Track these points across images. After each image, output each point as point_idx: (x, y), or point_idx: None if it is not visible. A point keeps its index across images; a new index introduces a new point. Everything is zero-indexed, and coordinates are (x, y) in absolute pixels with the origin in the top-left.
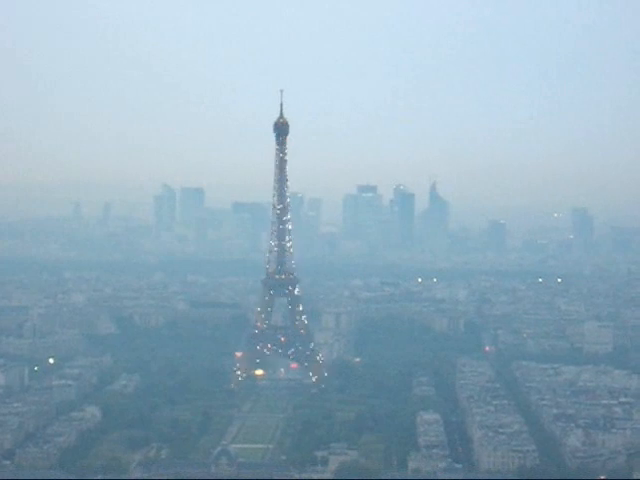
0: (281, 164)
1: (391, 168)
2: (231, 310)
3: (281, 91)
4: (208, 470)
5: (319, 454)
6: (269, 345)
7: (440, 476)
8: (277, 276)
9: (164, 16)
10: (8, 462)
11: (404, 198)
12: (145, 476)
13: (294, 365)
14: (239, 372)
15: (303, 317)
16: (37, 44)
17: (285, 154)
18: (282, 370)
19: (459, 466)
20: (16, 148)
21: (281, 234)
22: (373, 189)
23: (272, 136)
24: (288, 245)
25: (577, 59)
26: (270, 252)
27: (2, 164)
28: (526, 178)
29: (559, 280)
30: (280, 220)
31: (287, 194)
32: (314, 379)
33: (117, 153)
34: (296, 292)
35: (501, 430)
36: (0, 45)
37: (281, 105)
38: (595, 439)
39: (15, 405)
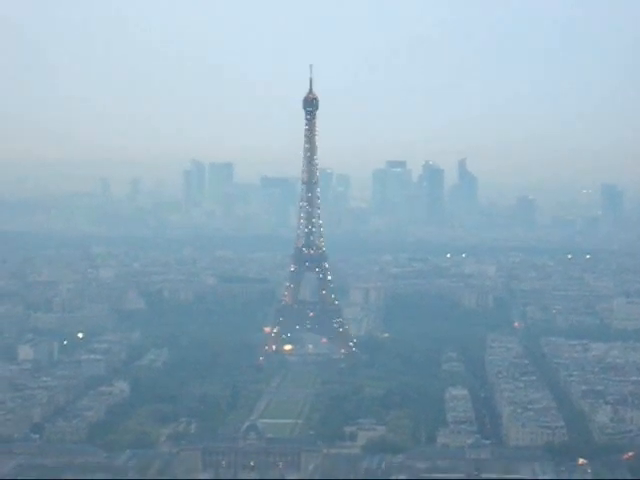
0: (310, 139)
1: (420, 143)
2: (260, 285)
3: (310, 66)
4: (236, 445)
5: (347, 429)
6: (298, 320)
7: (468, 452)
8: (306, 251)
9: (184, 5)
10: (37, 436)
11: (433, 173)
12: (174, 450)
13: (324, 340)
14: (268, 347)
15: (332, 292)
16: (65, 27)
17: (314, 129)
18: (310, 345)
19: (487, 442)
20: (45, 127)
21: (310, 210)
22: (402, 164)
23: (301, 111)
24: (317, 220)
25: (603, 33)
26: (299, 227)
27: (32, 142)
28: (555, 154)
29: (588, 256)
30: (309, 195)
31: (316, 169)
32: (343, 354)
33: (145, 130)
34: (325, 267)
35: (529, 406)
36: (29, 31)
37: (310, 80)
38: (623, 415)
39: (44, 379)
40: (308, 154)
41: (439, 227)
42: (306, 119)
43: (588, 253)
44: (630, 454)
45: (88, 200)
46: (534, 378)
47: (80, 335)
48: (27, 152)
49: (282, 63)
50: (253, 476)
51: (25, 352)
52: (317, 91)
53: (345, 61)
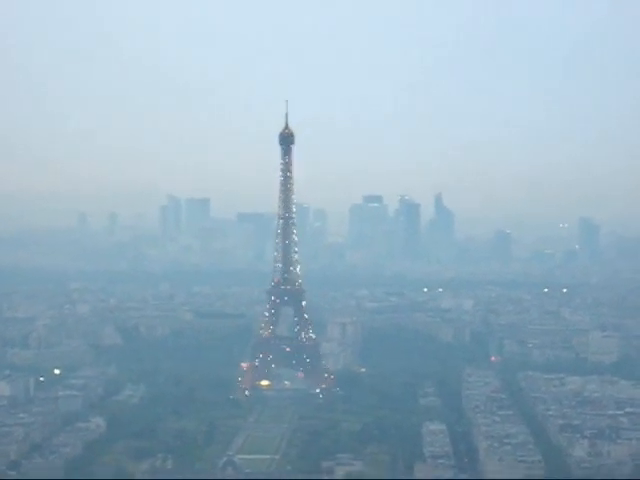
0: (286, 174)
1: (397, 178)
2: (236, 320)
3: (286, 101)
4: None
5: (325, 464)
6: (275, 355)
7: None
8: (283, 286)
9: (166, 26)
10: (14, 473)
11: (410, 208)
12: None
13: (300, 375)
14: (244, 382)
15: (309, 327)
16: (36, 48)
17: (290, 164)
18: (288, 381)
19: (465, 476)
20: (21, 158)
21: (287, 244)
22: (379, 199)
23: (277, 146)
24: (294, 255)
25: (585, 67)
26: (275, 262)
27: (7, 174)
28: (532, 188)
29: (565, 290)
30: (286, 230)
31: (293, 204)
32: (320, 389)
33: (122, 163)
34: (302, 302)
35: (507, 440)
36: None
37: (286, 115)
38: (601, 449)
39: (21, 416)
40: (284, 189)
41: (416, 261)
42: (282, 154)
43: (565, 287)
44: None
45: (66, 234)
46: (511, 412)
47: (57, 371)
48: (2, 184)
49: (258, 98)
50: None
51: (1, 388)
52: (293, 125)
53: (322, 95)
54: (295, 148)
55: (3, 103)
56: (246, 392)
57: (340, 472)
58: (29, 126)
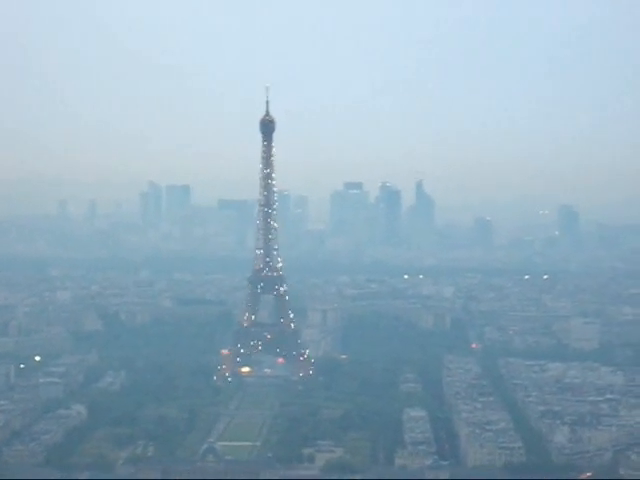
0: (267, 161)
1: (377, 165)
2: (217, 307)
3: (267, 88)
4: (195, 467)
5: (305, 451)
6: (255, 342)
7: (427, 473)
8: (263, 273)
9: (149, 12)
10: None
11: (390, 195)
12: (132, 473)
13: (281, 361)
14: (225, 369)
15: (289, 314)
16: (30, 42)
17: (271, 151)
18: (268, 368)
19: (445, 463)
20: (1, 145)
21: (267, 231)
22: (359, 186)
23: (258, 133)
24: (274, 242)
25: (566, 57)
26: (256, 249)
27: None
28: (512, 175)
29: (545, 277)
30: (266, 217)
31: (273, 191)
32: (300, 376)
33: (102, 150)
34: (282, 289)
35: (488, 427)
36: None
37: (267, 102)
38: (581, 436)
39: (1, 403)
40: (265, 176)
41: (396, 248)
42: (263, 141)
43: (545, 274)
44: (588, 474)
45: (46, 221)
46: (492, 399)
47: (37, 358)
48: None
49: (239, 84)
50: None
51: None
52: (274, 112)
53: (302, 81)
54: (276, 135)
55: None
56: (227, 379)
57: (321, 459)
58: (11, 114)
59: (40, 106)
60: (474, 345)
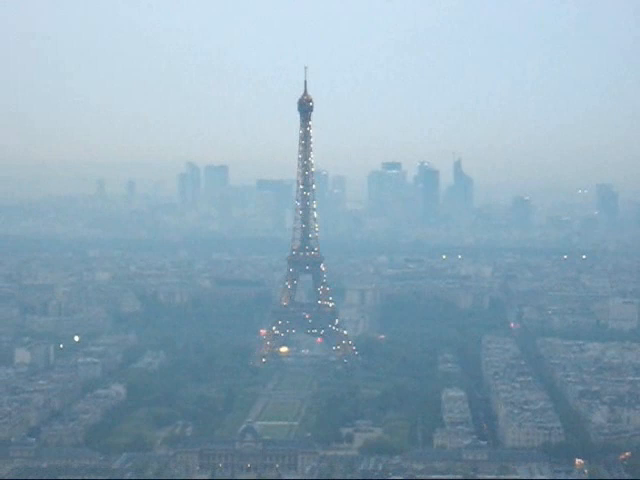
0: (305, 141)
1: (416, 145)
2: (255, 288)
3: (305, 68)
4: (233, 447)
5: (344, 431)
6: (293, 322)
7: (465, 453)
8: (302, 253)
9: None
10: (34, 439)
11: (428, 175)
12: (171, 453)
13: (319, 340)
14: (263, 349)
15: (327, 294)
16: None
17: (309, 131)
18: (307, 348)
19: (484, 443)
20: (41, 128)
21: (305, 211)
22: (397, 166)
23: (297, 113)
24: (313, 222)
25: (602, 30)
26: (294, 229)
27: (28, 144)
28: (551, 154)
29: (584, 257)
30: (304, 197)
31: (311, 171)
32: (339, 356)
33: (141, 132)
34: (321, 269)
35: (526, 407)
36: (28, 30)
37: (305, 82)
38: (620, 415)
39: (41, 383)
40: (303, 156)
41: (435, 228)
42: (301, 121)
43: (584, 254)
44: (627, 454)
45: (85, 202)
46: (530, 379)
47: (76, 338)
48: (23, 154)
49: (278, 64)
50: (251, 478)
51: (21, 355)
52: (312, 93)
53: (340, 62)
54: (314, 115)
55: (25, 81)
56: (265, 359)
57: (359, 438)
58: (51, 101)
59: (75, 91)
60: (513, 325)
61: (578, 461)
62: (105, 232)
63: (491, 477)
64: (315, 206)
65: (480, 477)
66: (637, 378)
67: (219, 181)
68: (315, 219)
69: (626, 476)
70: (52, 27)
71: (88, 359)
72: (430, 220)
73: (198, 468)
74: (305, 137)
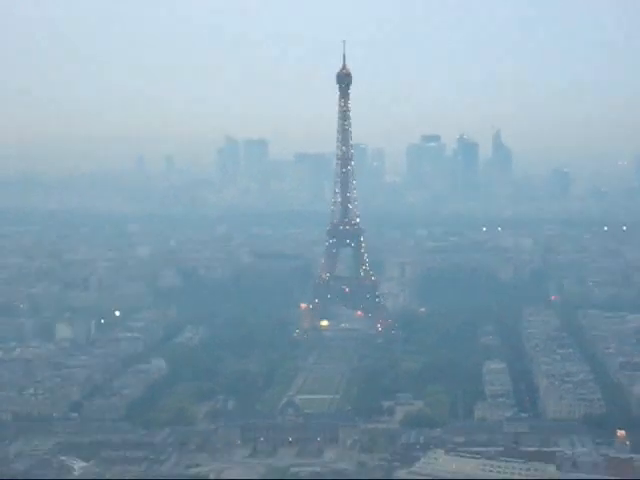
0: (344, 114)
1: (455, 117)
2: (295, 261)
3: (344, 42)
4: (275, 421)
5: (385, 404)
6: (333, 296)
7: (506, 425)
8: (341, 227)
9: None
10: (76, 414)
11: (467, 147)
12: (213, 427)
13: (359, 313)
14: (304, 323)
15: (367, 267)
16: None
17: (348, 104)
18: (347, 321)
19: (525, 415)
20: (80, 103)
21: (345, 185)
22: (437, 139)
23: (335, 87)
24: (352, 195)
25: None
26: (334, 203)
27: (67, 118)
28: (589, 125)
29: (624, 228)
30: (344, 170)
31: (350, 144)
32: (379, 329)
33: (180, 106)
34: (360, 242)
35: (567, 379)
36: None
37: (344, 56)
38: None
39: (82, 358)
40: (342, 129)
41: (474, 201)
42: (340, 95)
43: (624, 225)
44: None
45: (123, 177)
46: (571, 351)
47: (117, 313)
48: (63, 130)
49: (317, 38)
50: (292, 452)
51: (63, 331)
52: (350, 65)
53: (379, 34)
54: (352, 88)
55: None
56: (306, 332)
57: (400, 411)
58: (91, 80)
59: (113, 67)
60: (553, 297)
61: (620, 432)
62: (144, 207)
63: (532, 449)
64: (354, 179)
65: (521, 449)
66: None
67: (258, 155)
68: (354, 192)
69: None
70: (88, 12)
71: (129, 334)
72: (469, 193)
73: (239, 442)
74: (344, 110)
